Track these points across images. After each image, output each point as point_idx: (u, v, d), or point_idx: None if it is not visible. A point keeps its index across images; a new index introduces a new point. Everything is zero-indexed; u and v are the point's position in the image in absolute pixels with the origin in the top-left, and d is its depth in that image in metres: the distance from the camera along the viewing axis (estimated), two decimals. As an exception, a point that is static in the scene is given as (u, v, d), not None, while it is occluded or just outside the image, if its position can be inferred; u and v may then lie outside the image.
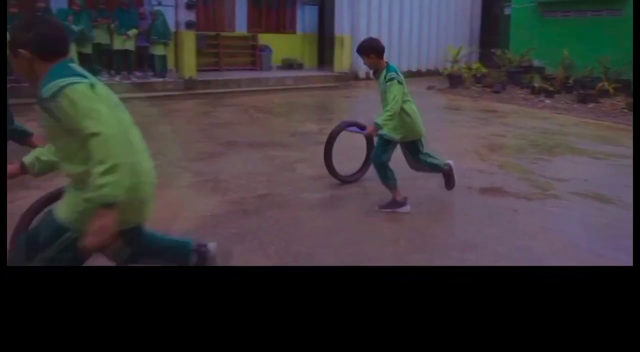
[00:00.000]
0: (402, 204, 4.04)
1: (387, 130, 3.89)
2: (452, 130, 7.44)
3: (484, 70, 12.09)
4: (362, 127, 4.41)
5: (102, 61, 9.92)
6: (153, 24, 9.85)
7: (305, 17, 13.94)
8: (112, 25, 9.54)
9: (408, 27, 13.82)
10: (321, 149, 4.70)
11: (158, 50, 9.92)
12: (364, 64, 4.02)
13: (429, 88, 11.81)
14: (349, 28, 12.79)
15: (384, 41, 4.59)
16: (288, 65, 13.18)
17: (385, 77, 3.84)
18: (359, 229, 3.74)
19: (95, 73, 9.60)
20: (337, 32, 12.80)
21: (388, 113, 3.78)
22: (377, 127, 3.84)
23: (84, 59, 8.76)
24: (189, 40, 10.43)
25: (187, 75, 10.13)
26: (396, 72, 3.87)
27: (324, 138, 4.75)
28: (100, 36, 9.57)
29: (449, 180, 4.35)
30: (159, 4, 11.28)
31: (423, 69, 14.32)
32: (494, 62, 12.21)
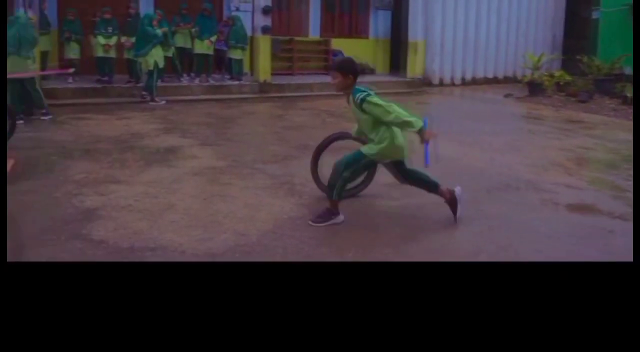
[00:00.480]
0: (336, 213, 3.77)
1: (371, 150, 3.63)
2: (533, 141, 7.06)
3: (567, 78, 11.41)
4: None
5: (183, 64, 10.37)
6: (231, 29, 10.18)
7: (378, 22, 13.86)
8: (194, 30, 9.96)
9: (485, 32, 13.33)
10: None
11: (235, 54, 10.24)
12: (333, 83, 3.64)
13: (507, 96, 11.32)
14: (423, 33, 12.55)
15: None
16: (360, 70, 13.13)
17: (355, 101, 3.49)
18: (436, 239, 3.62)
19: (180, 73, 10.08)
20: (411, 38, 12.61)
21: (402, 120, 3.40)
22: (422, 129, 3.41)
23: (167, 62, 9.21)
24: (264, 44, 10.68)
25: (262, 78, 10.37)
26: (362, 90, 3.52)
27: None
28: (182, 40, 10.02)
29: (452, 209, 3.86)
30: (237, 9, 11.67)
31: (500, 76, 13.76)
32: (579, 70, 11.49)
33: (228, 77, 10.45)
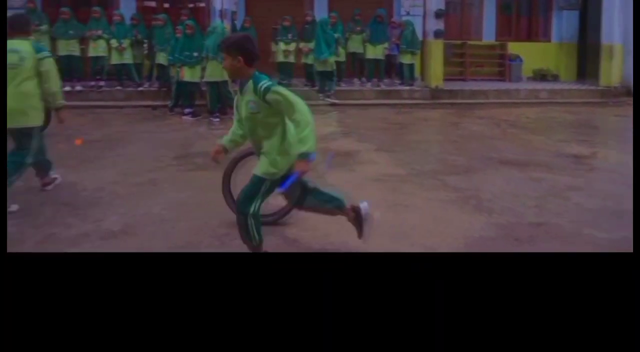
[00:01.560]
0: None
1: (268, 168, 2.89)
2: None
3: None
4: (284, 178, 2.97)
5: (355, 69, 10.56)
6: (402, 34, 10.06)
7: (563, 24, 12.52)
8: (365, 35, 10.06)
9: None
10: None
11: (406, 59, 10.10)
12: (223, 67, 2.97)
13: None
14: (620, 35, 10.97)
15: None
16: (540, 76, 12.03)
17: (258, 89, 2.74)
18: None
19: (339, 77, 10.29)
20: (605, 40, 11.11)
21: (307, 129, 2.65)
22: (306, 157, 2.68)
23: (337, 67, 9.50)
24: (436, 49, 10.35)
25: (433, 84, 10.07)
26: (265, 78, 2.81)
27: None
28: (355, 45, 10.19)
29: (357, 227, 3.27)
30: (408, 14, 11.51)
31: None
32: None
33: (399, 82, 10.36)
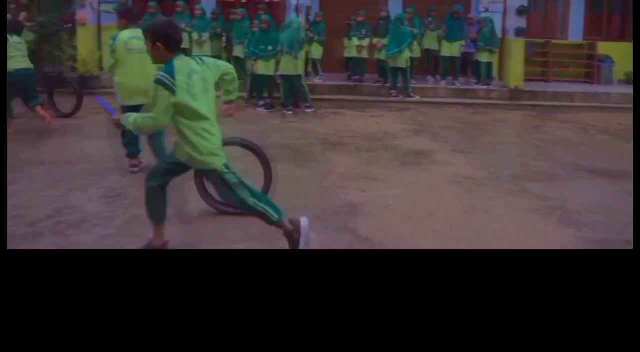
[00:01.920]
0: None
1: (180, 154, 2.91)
2: None
3: None
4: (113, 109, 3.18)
5: (430, 66, 10.27)
6: (481, 31, 9.64)
7: (662, 23, 11.47)
8: (441, 32, 9.74)
9: None
10: None
11: (484, 58, 9.67)
12: (148, 52, 2.89)
13: None
14: None
15: None
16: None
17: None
18: None
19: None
20: None
21: (149, 117, 2.80)
22: (121, 122, 2.87)
23: (412, 64, 9.24)
24: (517, 48, 9.82)
25: (512, 84, 9.57)
26: (170, 72, 2.68)
27: None
28: (430, 42, 9.90)
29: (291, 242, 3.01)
30: (486, 10, 11.00)
31: None
32: None
33: (475, 81, 9.95)
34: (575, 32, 11.74)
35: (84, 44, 9.50)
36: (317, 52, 9.55)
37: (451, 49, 9.69)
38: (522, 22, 9.79)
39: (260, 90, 8.06)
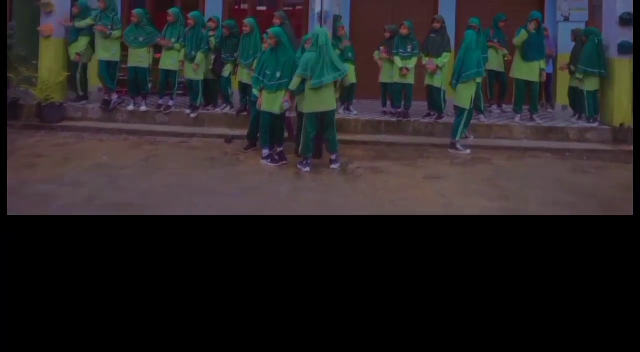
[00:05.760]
0: None
1: None
2: None
3: None
4: None
5: (494, 93, 7.80)
6: (583, 48, 7.23)
7: None
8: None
9: None
10: None
11: (589, 85, 7.12)
12: None
13: None
14: None
15: None
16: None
17: None
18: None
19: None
20: None
21: None
22: None
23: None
24: (622, 69, 7.10)
25: (617, 121, 6.96)
26: None
27: None
28: (495, 62, 7.49)
29: None
30: (566, 19, 8.76)
31: None
32: None
33: (575, 116, 7.45)
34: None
35: (47, 62, 7.39)
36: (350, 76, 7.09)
37: (529, 72, 7.19)
38: (627, 36, 7.21)
39: (265, 132, 5.61)
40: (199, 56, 6.94)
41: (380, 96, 7.66)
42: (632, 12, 7.23)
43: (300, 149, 5.39)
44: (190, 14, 7.15)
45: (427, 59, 7.19)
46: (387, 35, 7.37)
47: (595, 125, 7.05)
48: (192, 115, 7.17)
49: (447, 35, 7.37)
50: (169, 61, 7.15)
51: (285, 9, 9.40)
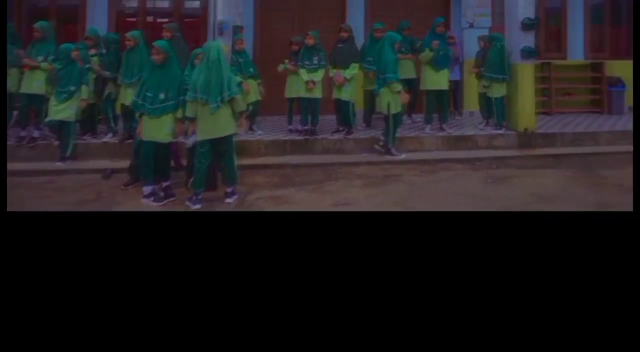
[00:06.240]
0: None
1: None
2: None
3: None
4: None
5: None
6: (486, 54, 7.16)
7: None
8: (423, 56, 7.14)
9: None
10: None
11: (496, 92, 7.14)
12: None
13: None
14: None
15: None
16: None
17: None
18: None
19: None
20: None
21: None
22: None
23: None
24: (526, 75, 7.15)
25: (521, 126, 6.96)
26: None
27: None
28: (405, 70, 7.24)
29: None
30: (471, 25, 8.86)
31: None
32: None
33: (484, 122, 7.40)
34: (574, 49, 9.51)
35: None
36: (251, 93, 6.40)
37: (438, 80, 7.02)
38: (530, 41, 7.25)
39: (145, 165, 4.73)
40: (84, 89, 5.89)
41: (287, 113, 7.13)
42: (533, 17, 7.32)
43: (190, 182, 4.72)
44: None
45: (334, 70, 6.81)
46: (295, 48, 6.89)
47: (502, 131, 7.03)
48: (59, 164, 5.81)
49: (355, 45, 7.05)
50: (34, 84, 6.02)
51: (187, 20, 8.72)
